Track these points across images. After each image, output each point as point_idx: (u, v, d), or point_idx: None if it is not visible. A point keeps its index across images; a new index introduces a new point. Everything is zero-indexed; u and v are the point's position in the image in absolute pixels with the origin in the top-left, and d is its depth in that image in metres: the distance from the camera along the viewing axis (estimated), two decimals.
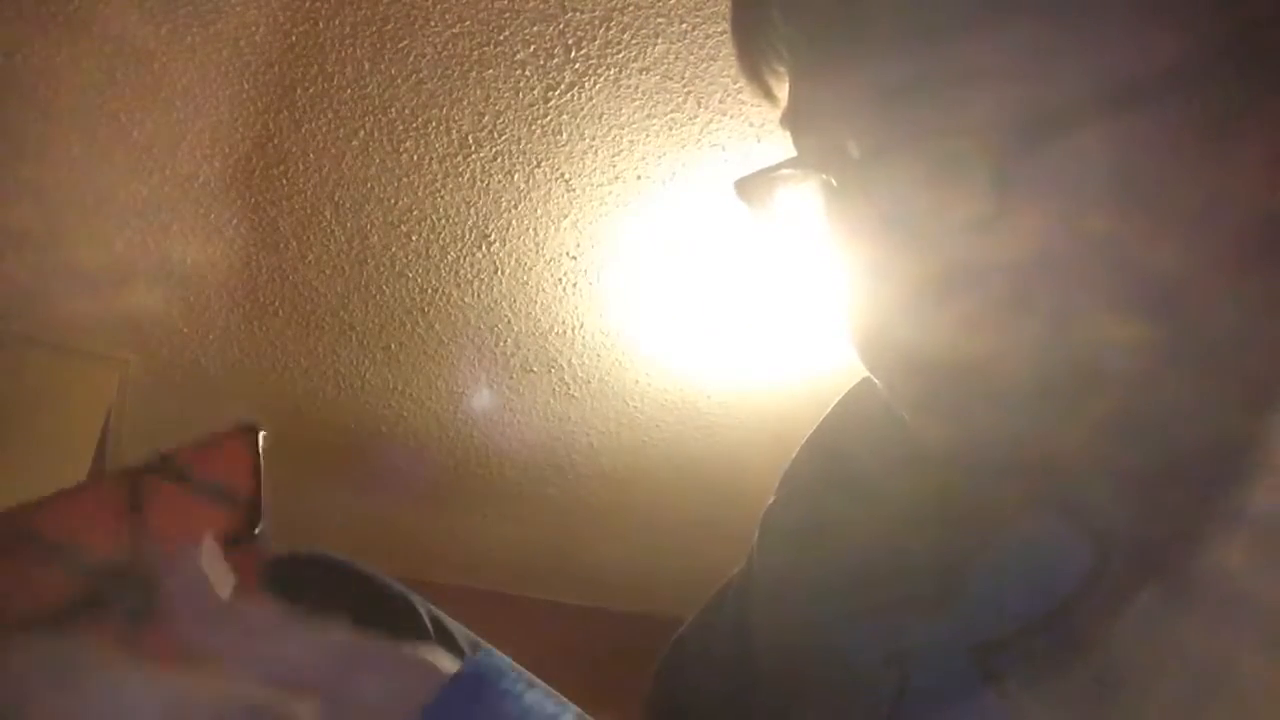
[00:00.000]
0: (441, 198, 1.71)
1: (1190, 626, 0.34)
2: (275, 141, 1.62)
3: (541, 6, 1.38)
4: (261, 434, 0.39)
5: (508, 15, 1.40)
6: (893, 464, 0.45)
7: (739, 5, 0.42)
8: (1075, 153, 0.34)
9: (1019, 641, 0.39)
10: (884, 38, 0.36)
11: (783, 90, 0.41)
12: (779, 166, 0.41)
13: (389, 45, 1.45)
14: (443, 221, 1.77)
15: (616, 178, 1.65)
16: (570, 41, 1.43)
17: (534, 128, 1.57)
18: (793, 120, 0.41)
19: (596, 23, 1.40)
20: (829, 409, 0.54)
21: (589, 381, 2.14)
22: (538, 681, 0.31)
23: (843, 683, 0.45)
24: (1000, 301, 0.36)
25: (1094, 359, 0.36)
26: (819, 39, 0.38)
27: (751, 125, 1.53)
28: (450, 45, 1.44)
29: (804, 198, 0.41)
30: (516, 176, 1.66)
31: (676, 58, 1.44)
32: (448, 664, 0.31)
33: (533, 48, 1.44)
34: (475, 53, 1.45)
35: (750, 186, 0.42)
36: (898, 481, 0.46)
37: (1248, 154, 0.35)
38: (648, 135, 1.57)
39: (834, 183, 0.39)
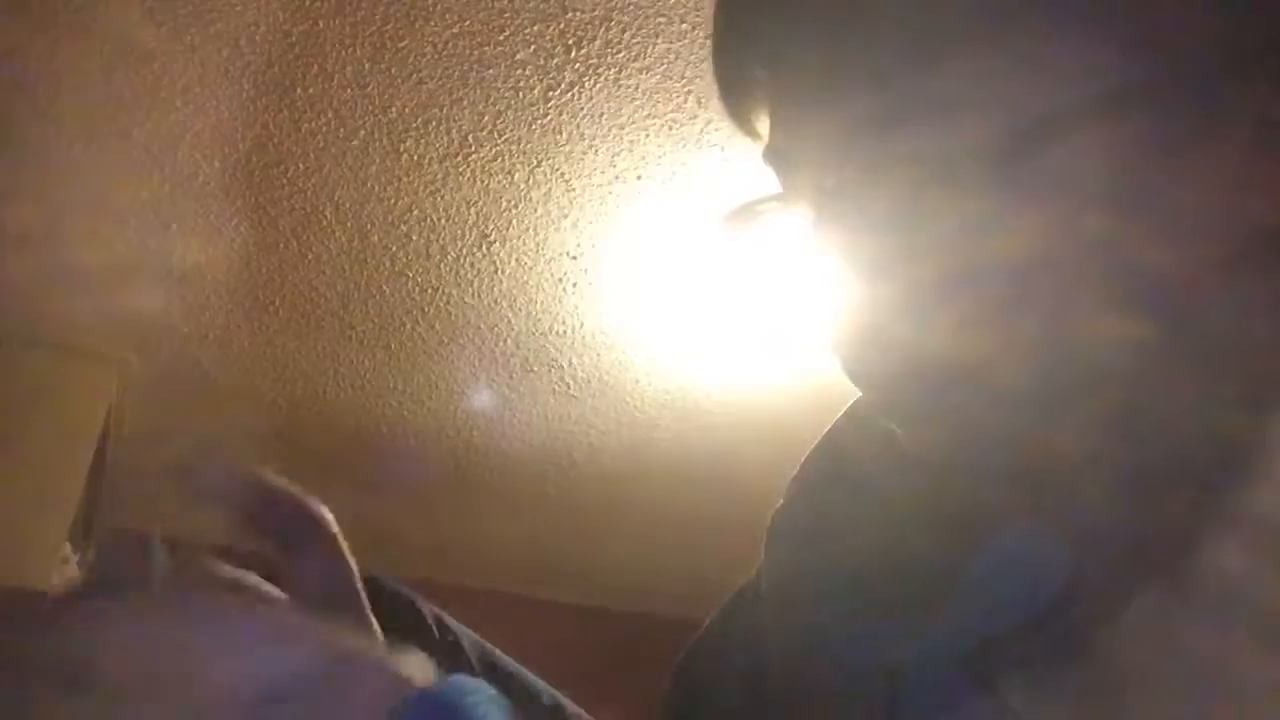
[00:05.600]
0: (441, 198, 1.71)
1: (1191, 628, 0.34)
2: (275, 141, 1.62)
3: (541, 6, 1.38)
4: None
5: (508, 15, 1.40)
6: (893, 466, 0.46)
7: (722, 61, 0.45)
8: (1045, 169, 0.36)
9: (1010, 648, 0.39)
10: (852, 76, 0.39)
11: (765, 127, 0.44)
12: (763, 200, 0.44)
13: (389, 45, 1.45)
14: (443, 221, 1.77)
15: (616, 178, 1.65)
16: (570, 41, 1.43)
17: (534, 128, 1.57)
18: (773, 157, 0.44)
19: (596, 23, 1.40)
20: (839, 412, 0.54)
21: (589, 381, 2.14)
22: (504, 700, 0.33)
23: (840, 691, 0.45)
24: (997, 302, 0.37)
25: (1092, 358, 0.36)
26: (797, 87, 0.41)
27: None
28: (450, 45, 1.44)
29: (789, 227, 0.44)
30: (516, 176, 1.66)
31: (676, 57, 1.44)
32: (420, 676, 0.33)
33: (533, 48, 1.44)
34: (475, 53, 1.45)
35: (738, 218, 0.44)
36: (897, 484, 0.46)
37: (1217, 164, 0.37)
38: (648, 135, 1.57)
39: (811, 214, 0.42)
